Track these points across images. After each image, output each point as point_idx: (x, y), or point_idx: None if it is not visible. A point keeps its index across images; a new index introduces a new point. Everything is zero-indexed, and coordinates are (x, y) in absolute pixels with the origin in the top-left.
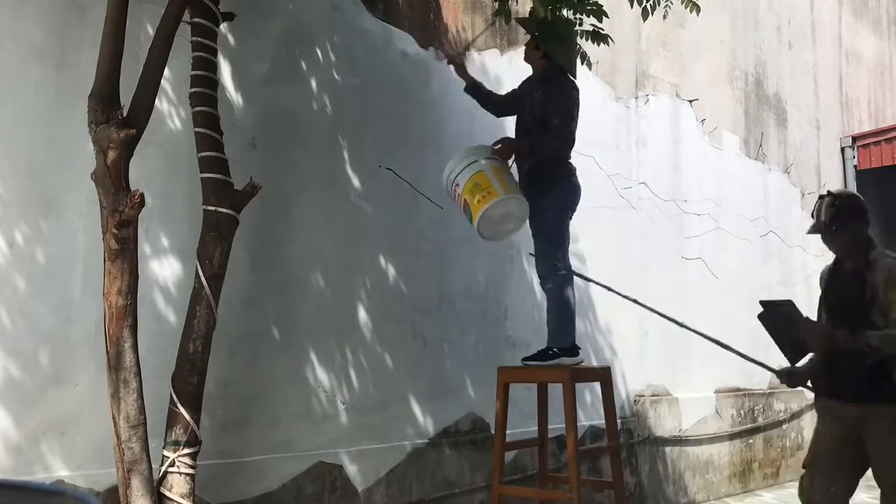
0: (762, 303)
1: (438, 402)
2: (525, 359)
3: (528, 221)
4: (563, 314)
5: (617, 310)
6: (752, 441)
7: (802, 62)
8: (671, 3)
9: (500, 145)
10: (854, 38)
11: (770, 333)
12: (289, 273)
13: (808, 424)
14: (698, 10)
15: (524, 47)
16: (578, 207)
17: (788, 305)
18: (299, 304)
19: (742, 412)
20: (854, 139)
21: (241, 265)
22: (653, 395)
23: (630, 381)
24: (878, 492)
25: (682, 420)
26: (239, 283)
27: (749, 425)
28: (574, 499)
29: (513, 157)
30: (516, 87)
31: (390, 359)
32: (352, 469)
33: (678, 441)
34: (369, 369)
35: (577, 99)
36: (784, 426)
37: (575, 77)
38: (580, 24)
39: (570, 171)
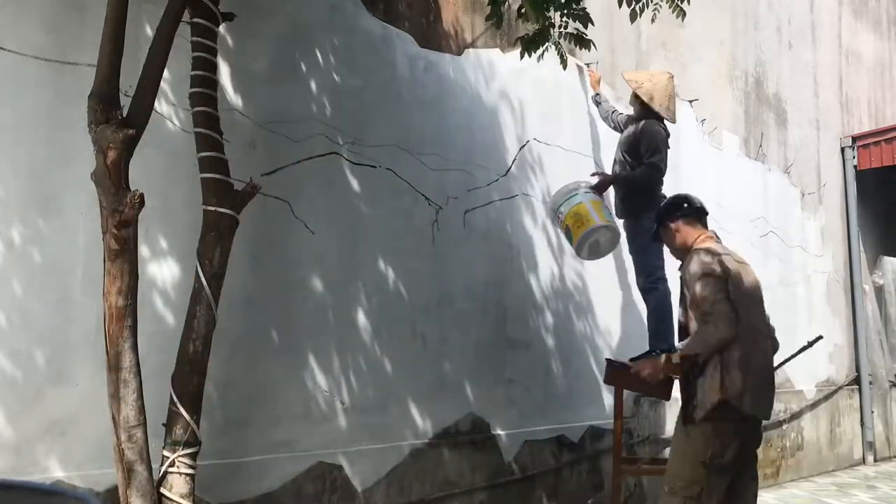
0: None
1: (438, 403)
2: (632, 359)
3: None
4: (659, 321)
5: (616, 310)
6: None
7: (802, 62)
8: (660, 6)
9: (596, 179)
10: (854, 38)
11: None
12: (289, 273)
13: (808, 424)
14: (684, 14)
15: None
16: None
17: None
18: (299, 304)
19: None
20: (854, 139)
21: (241, 265)
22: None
23: None
24: (877, 491)
25: None
26: (239, 283)
27: None
28: None
29: (608, 189)
30: (628, 113)
31: (390, 359)
32: (352, 469)
33: None
34: (369, 369)
35: (663, 138)
36: (784, 426)
37: (673, 121)
38: (565, 27)
39: (660, 201)
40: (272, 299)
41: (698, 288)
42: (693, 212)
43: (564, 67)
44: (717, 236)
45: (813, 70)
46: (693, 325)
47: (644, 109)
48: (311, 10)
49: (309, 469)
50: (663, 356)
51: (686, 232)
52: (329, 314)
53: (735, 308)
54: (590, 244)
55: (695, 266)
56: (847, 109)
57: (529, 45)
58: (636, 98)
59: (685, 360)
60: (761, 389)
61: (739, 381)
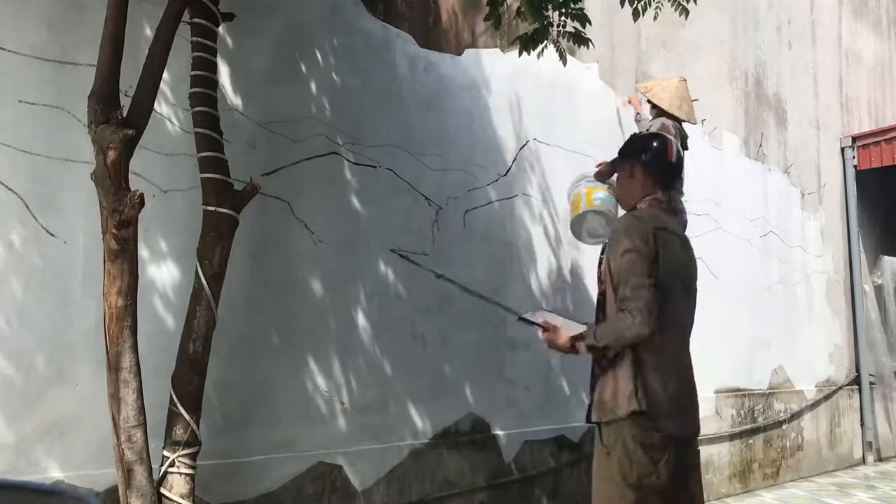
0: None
1: (438, 403)
2: None
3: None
4: None
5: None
6: (752, 441)
7: (802, 62)
8: (661, 4)
9: (601, 166)
10: (854, 38)
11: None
12: (289, 273)
13: (808, 424)
14: (687, 13)
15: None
16: None
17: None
18: (299, 304)
19: (742, 412)
20: (854, 139)
21: (241, 265)
22: None
23: None
24: (877, 491)
25: None
26: (239, 283)
27: (749, 425)
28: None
29: (613, 176)
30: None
31: (390, 359)
32: (352, 469)
33: None
34: (369, 369)
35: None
36: (784, 426)
37: (692, 122)
38: (563, 26)
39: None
40: (272, 299)
41: (624, 263)
42: (659, 165)
43: (564, 64)
44: (671, 203)
45: (813, 70)
46: (611, 307)
47: (659, 113)
48: (311, 10)
49: (309, 469)
50: (567, 337)
51: (639, 183)
52: (329, 314)
53: (663, 297)
54: (586, 229)
55: (624, 233)
56: (847, 109)
57: (528, 43)
58: (651, 104)
59: (592, 350)
60: (683, 401)
61: (658, 389)
